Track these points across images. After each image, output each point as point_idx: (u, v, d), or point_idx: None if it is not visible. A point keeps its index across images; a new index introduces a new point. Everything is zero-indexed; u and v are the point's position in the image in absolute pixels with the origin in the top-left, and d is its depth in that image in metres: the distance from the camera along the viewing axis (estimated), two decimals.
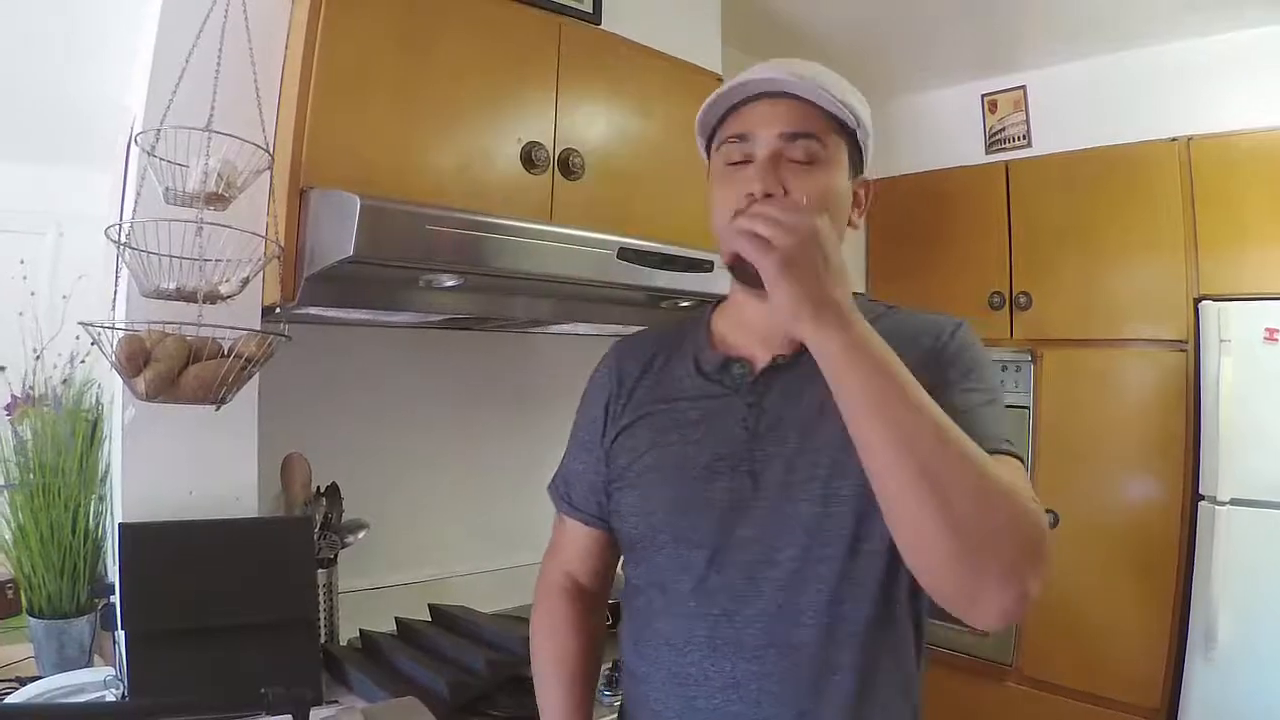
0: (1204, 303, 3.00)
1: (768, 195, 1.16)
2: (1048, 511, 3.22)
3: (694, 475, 1.22)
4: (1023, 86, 3.69)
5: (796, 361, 1.20)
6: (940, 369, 1.15)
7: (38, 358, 2.00)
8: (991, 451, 1.03)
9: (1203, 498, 2.91)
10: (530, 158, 1.99)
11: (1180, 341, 3.08)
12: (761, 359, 1.25)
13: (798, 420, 1.18)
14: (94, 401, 2.05)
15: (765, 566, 1.15)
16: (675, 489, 1.23)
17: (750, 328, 1.28)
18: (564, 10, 2.17)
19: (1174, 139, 3.15)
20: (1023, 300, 3.49)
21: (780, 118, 1.20)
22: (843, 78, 1.26)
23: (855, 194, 1.28)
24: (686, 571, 1.20)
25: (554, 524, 1.49)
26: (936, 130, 3.99)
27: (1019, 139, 3.70)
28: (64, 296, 2.18)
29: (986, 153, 3.80)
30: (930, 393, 1.04)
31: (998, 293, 3.56)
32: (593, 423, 1.38)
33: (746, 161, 1.21)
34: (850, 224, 1.27)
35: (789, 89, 1.20)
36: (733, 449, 1.20)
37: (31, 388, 1.98)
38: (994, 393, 1.18)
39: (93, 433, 1.97)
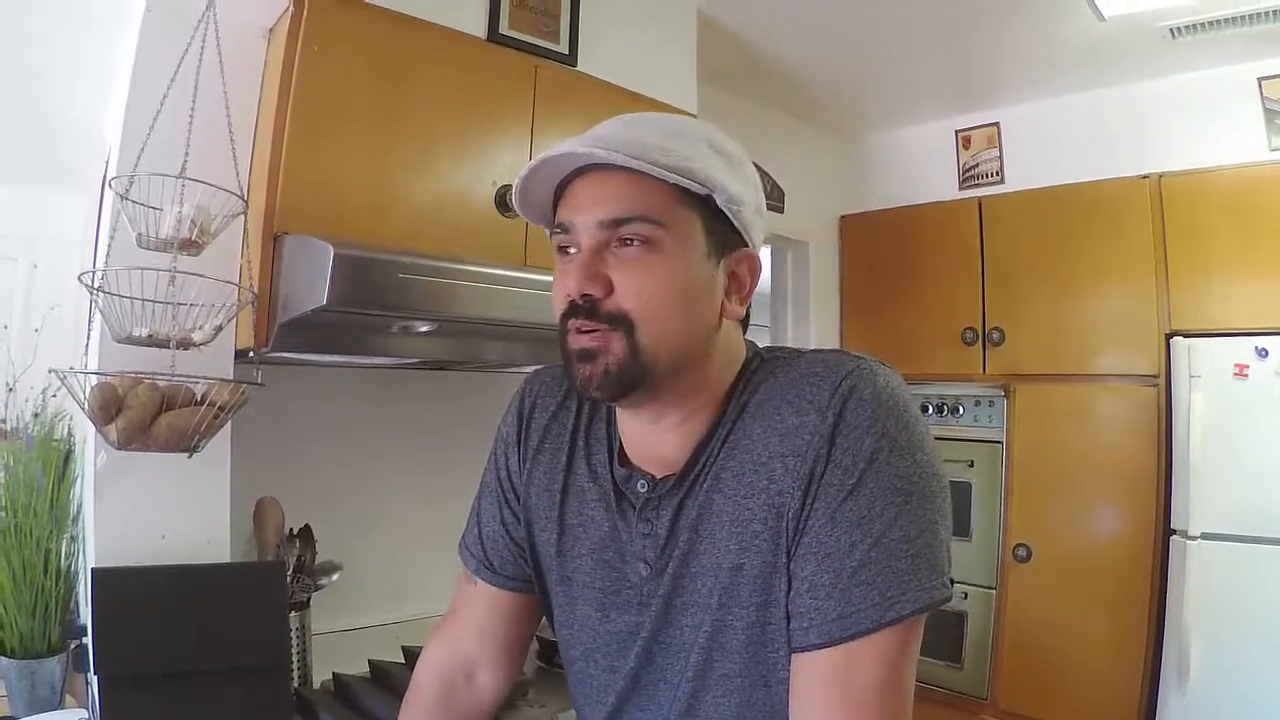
0: (1175, 338, 3.04)
1: (585, 296, 0.95)
2: (1021, 545, 3.28)
3: (601, 601, 1.09)
4: (996, 123, 3.74)
5: (684, 478, 1.02)
6: (817, 474, 0.93)
7: (10, 391, 1.99)
8: (821, 644, 0.90)
9: (1174, 532, 2.95)
10: (504, 201, 1.99)
11: (1152, 377, 3.11)
12: (651, 474, 1.06)
13: (685, 547, 1.01)
14: (65, 434, 2.04)
15: (669, 691, 1.04)
16: (584, 610, 1.12)
17: (631, 441, 1.09)
18: (540, 52, 2.19)
19: (1145, 176, 3.19)
20: (995, 336, 3.52)
21: (600, 201, 0.96)
22: (704, 126, 1.03)
23: (732, 274, 1.03)
24: (600, 694, 1.12)
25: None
26: (910, 165, 4.05)
27: (992, 175, 3.74)
28: (35, 329, 2.18)
29: (960, 188, 3.84)
30: (795, 522, 0.93)
31: (970, 328, 3.60)
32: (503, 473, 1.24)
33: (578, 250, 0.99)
34: (725, 314, 1.02)
35: (613, 162, 0.93)
36: (635, 582, 1.06)
37: (3, 421, 1.97)
38: (893, 519, 0.90)
39: (64, 467, 1.96)
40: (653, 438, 1.05)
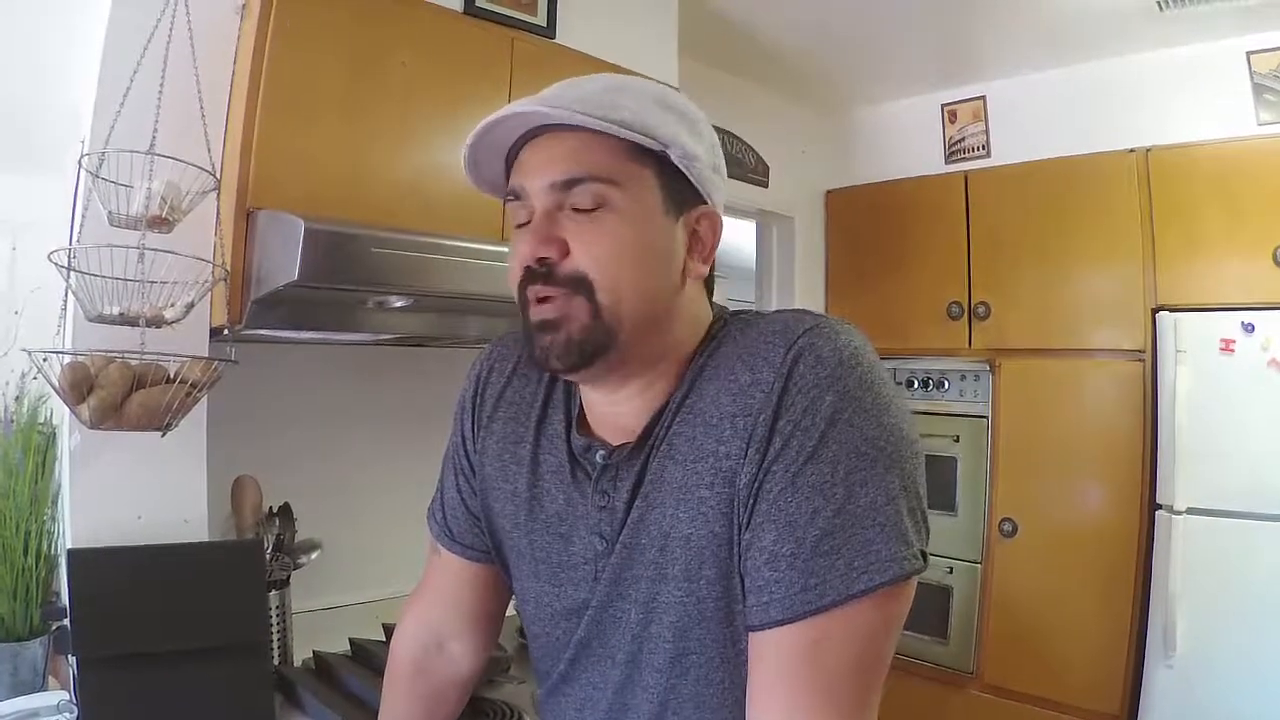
0: (1161, 313, 3.03)
1: (541, 260, 0.92)
2: (1006, 520, 3.28)
3: (555, 575, 1.06)
4: (982, 97, 3.73)
5: (640, 449, 0.98)
6: (769, 434, 0.88)
7: None
8: (775, 622, 0.85)
9: (1160, 507, 2.96)
10: None
11: (1138, 351, 3.11)
12: (609, 443, 1.02)
13: (637, 516, 0.98)
14: (48, 417, 2.03)
15: (609, 668, 1.02)
16: (537, 585, 1.09)
17: (592, 410, 1.06)
18: (517, 24, 2.17)
19: (1132, 150, 3.18)
20: (981, 310, 3.52)
21: (551, 162, 0.93)
22: (650, 84, 1.01)
23: (693, 233, 0.99)
24: (552, 665, 1.10)
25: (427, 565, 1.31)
26: (896, 140, 4.03)
27: (978, 149, 3.73)
28: (15, 312, 2.16)
29: (946, 162, 3.84)
30: (749, 488, 0.89)
31: (956, 303, 3.59)
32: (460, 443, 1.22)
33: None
34: (686, 273, 0.98)
35: (560, 120, 0.91)
36: (589, 557, 1.02)
37: None
38: (859, 485, 0.85)
39: (46, 449, 1.95)
40: (613, 407, 1.02)
